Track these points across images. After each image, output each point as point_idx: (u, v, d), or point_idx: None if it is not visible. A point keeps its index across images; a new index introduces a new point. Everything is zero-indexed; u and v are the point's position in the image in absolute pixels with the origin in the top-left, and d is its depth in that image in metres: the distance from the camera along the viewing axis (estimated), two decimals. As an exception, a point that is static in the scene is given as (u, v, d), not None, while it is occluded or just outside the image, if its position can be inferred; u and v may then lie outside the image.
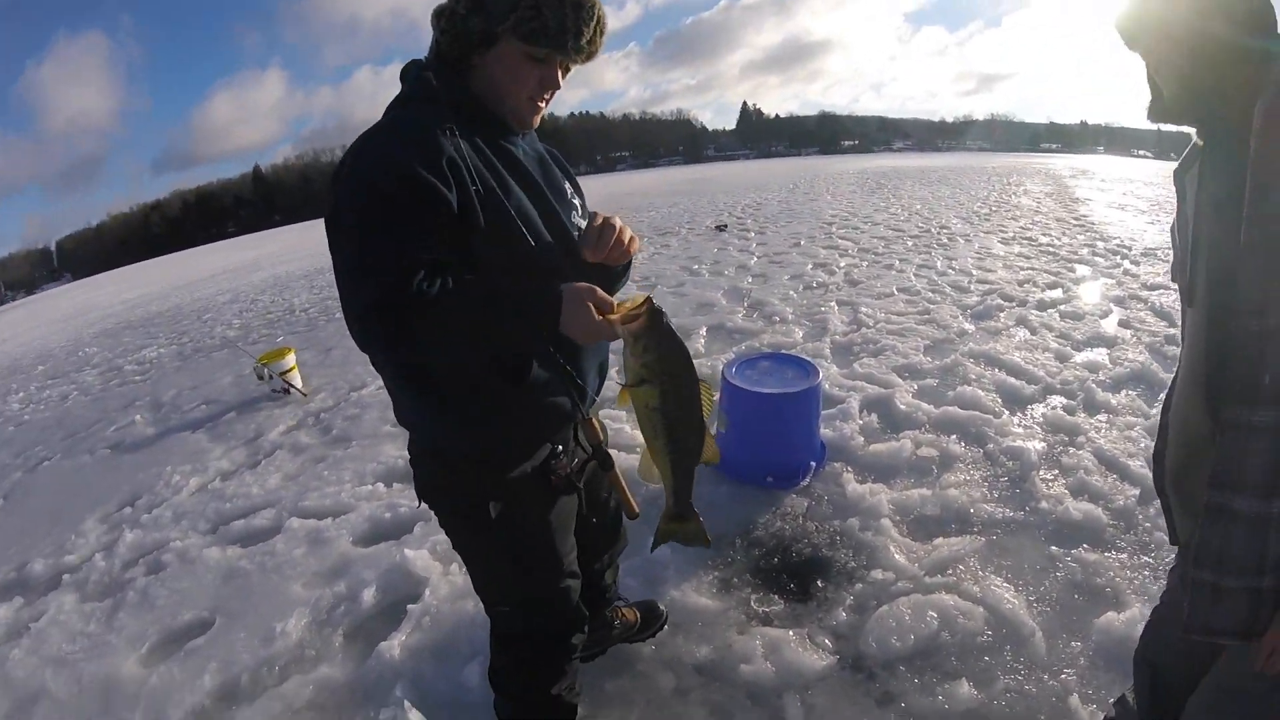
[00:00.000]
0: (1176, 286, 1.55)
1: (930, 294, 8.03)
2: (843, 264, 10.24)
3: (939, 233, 12.79)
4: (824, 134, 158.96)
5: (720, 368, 4.54)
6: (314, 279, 17.59)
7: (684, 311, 8.26)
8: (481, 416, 1.74)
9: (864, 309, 7.50)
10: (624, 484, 2.02)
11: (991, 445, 4.25)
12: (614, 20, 1.89)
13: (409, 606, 3.22)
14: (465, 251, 1.57)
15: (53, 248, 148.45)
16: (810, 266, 10.21)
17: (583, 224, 1.88)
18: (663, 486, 1.69)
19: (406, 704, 2.54)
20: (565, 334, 1.50)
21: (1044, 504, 3.62)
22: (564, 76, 1.75)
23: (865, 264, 10.13)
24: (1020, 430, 4.47)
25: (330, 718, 2.73)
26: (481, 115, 1.69)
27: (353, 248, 1.51)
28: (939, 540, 3.41)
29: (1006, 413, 4.73)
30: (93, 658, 3.33)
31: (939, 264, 9.76)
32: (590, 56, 1.70)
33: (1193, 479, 1.47)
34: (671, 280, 10.28)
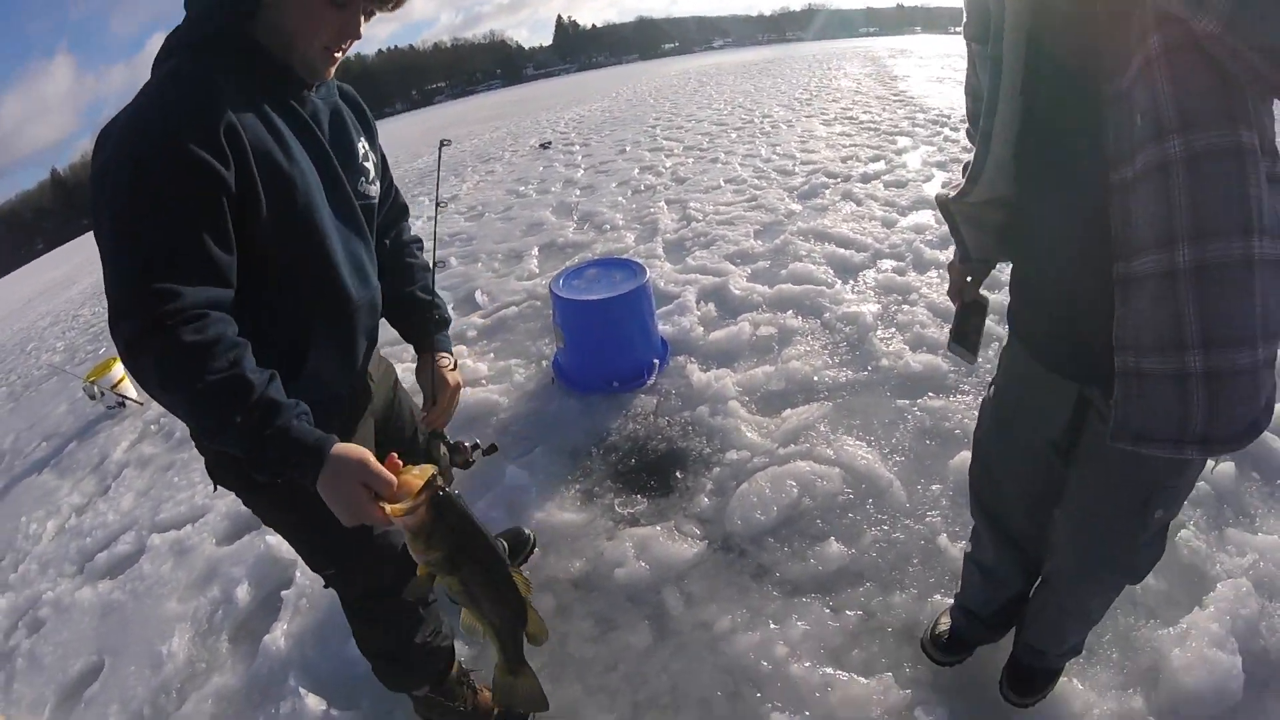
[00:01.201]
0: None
1: (756, 181, 8.05)
2: (669, 164, 10.16)
3: (762, 122, 12.85)
4: (642, 39, 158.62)
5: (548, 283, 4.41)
6: (129, 278, 16.33)
7: (514, 235, 8.04)
8: None
9: (693, 204, 7.45)
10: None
11: (828, 314, 4.31)
12: (415, -61, 1.58)
13: (283, 593, 3.03)
14: (247, 244, 1.35)
15: None
16: (637, 171, 10.10)
17: (373, 191, 1.74)
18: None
19: (302, 691, 2.49)
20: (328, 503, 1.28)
21: (885, 361, 3.70)
22: (366, 22, 1.50)
23: (691, 161, 10.09)
24: (854, 296, 4.55)
25: None
26: (266, 67, 1.43)
27: (111, 258, 1.26)
28: (787, 412, 3.44)
29: (839, 282, 4.80)
30: None
31: (763, 151, 9.79)
32: (399, 3, 1.48)
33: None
34: (498, 206, 9.95)
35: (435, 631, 2.08)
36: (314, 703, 2.46)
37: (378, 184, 1.78)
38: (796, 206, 6.75)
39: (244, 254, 1.35)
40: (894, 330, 4.02)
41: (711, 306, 4.72)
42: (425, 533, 1.21)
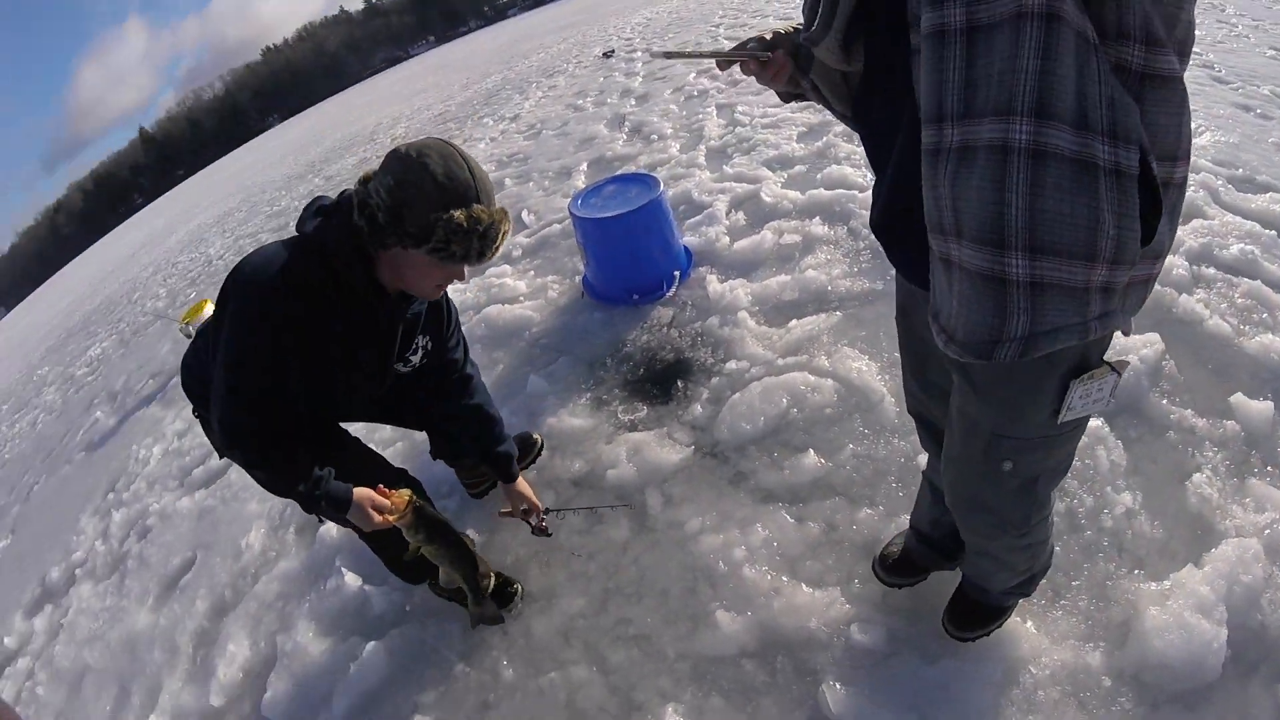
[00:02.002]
0: None
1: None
2: None
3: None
4: None
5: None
6: (224, 222, 17.99)
7: (567, 151, 8.13)
8: None
9: (741, 109, 7.30)
10: None
11: (855, 221, 4.22)
12: None
13: None
14: (302, 385, 1.97)
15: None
16: (693, 75, 9.86)
17: (405, 369, 2.30)
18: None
19: (344, 571, 3.08)
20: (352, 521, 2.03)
21: None
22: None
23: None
24: None
25: (295, 600, 3.15)
26: (381, 300, 1.96)
27: (228, 377, 1.86)
28: (793, 323, 3.46)
29: (870, 188, 4.61)
30: (114, 625, 3.87)
31: None
32: (495, 254, 1.90)
33: None
34: (555, 122, 10.02)
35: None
36: (352, 579, 2.99)
37: (416, 364, 2.34)
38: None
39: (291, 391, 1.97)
40: (921, 236, 3.92)
41: (741, 215, 4.72)
42: (411, 526, 2.03)
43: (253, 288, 1.82)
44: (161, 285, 13.67)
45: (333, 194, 2.00)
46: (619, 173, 5.09)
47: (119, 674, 3.56)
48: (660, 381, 3.39)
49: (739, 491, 2.68)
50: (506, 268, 5.30)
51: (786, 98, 1.59)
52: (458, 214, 1.73)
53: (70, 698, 3.70)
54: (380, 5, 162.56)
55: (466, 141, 11.28)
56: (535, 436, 3.17)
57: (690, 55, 1.44)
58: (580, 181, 6.83)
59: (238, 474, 4.37)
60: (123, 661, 3.63)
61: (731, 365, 3.28)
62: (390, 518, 2.00)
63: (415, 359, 2.31)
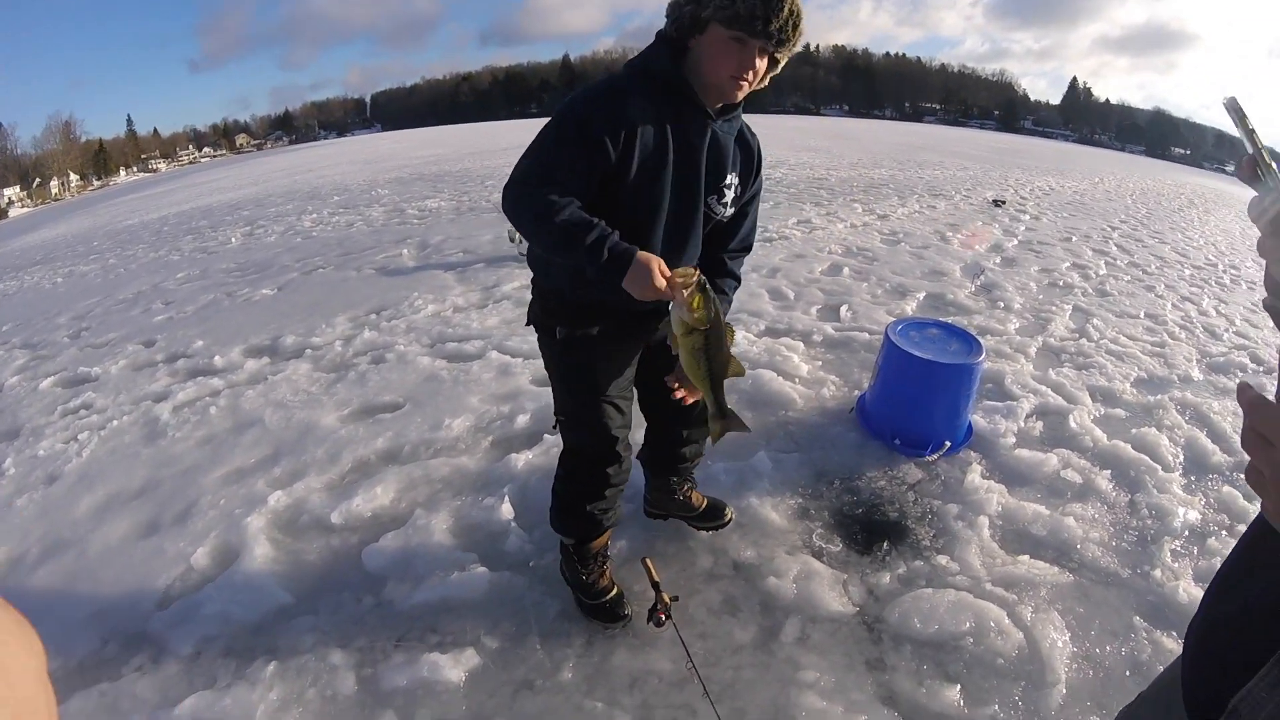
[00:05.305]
0: None
1: (1177, 329, 7.10)
2: (1103, 271, 9.42)
3: (1225, 271, 10.91)
4: (1153, 134, 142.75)
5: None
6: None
7: (913, 273, 8.17)
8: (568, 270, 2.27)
9: (1096, 321, 6.92)
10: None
11: (1141, 496, 3.79)
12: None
13: (546, 436, 4.04)
14: (610, 191, 2.09)
15: (368, 99, 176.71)
16: (1067, 265, 9.51)
17: (718, 210, 2.34)
18: (705, 400, 2.16)
19: (506, 497, 3.48)
20: (625, 288, 1.95)
21: (1158, 574, 3.19)
22: (771, 64, 2.10)
23: (1127, 279, 9.20)
24: (1181, 494, 3.86)
25: (452, 491, 3.63)
26: (685, 95, 2.09)
27: (530, 146, 2.06)
28: (1024, 558, 3.21)
29: (1179, 471, 4.15)
30: (305, 408, 4.58)
31: (1205, 303, 8.39)
32: (785, 43, 2.02)
33: None
34: (917, 240, 10.06)
35: (604, 510, 2.70)
36: (507, 510, 3.39)
37: (727, 209, 2.37)
38: (1197, 375, 5.83)
39: (607, 194, 2.10)
40: (1195, 552, 3.41)
41: (1039, 425, 4.49)
42: (698, 294, 1.88)
43: (575, 93, 2.11)
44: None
45: None
46: (949, 321, 5.03)
47: (279, 443, 4.25)
48: (870, 531, 3.35)
49: (868, 676, 2.57)
50: (800, 345, 5.52)
51: None
52: None
53: (231, 432, 4.46)
54: (813, 58, 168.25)
55: (830, 216, 11.58)
56: (728, 513, 3.25)
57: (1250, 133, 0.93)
58: (910, 308, 6.86)
59: (479, 367, 5.03)
60: (289, 436, 4.31)
61: (942, 560, 3.15)
62: (680, 279, 1.89)
63: (728, 194, 2.32)
